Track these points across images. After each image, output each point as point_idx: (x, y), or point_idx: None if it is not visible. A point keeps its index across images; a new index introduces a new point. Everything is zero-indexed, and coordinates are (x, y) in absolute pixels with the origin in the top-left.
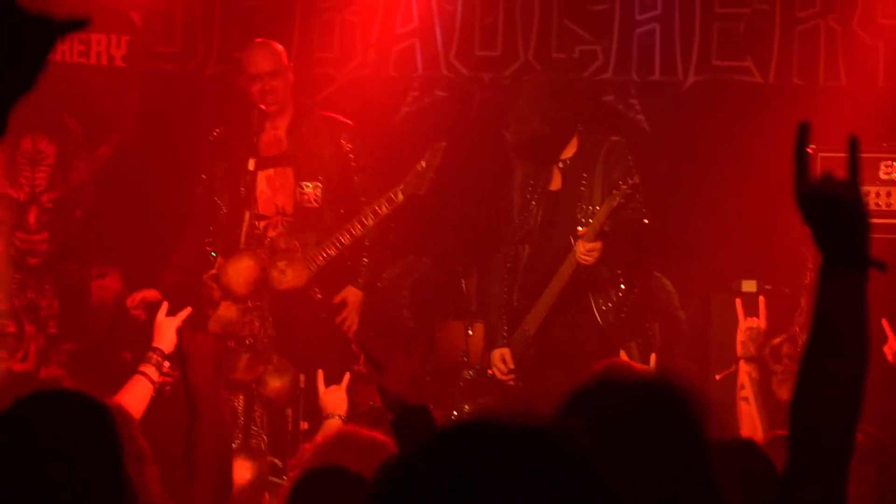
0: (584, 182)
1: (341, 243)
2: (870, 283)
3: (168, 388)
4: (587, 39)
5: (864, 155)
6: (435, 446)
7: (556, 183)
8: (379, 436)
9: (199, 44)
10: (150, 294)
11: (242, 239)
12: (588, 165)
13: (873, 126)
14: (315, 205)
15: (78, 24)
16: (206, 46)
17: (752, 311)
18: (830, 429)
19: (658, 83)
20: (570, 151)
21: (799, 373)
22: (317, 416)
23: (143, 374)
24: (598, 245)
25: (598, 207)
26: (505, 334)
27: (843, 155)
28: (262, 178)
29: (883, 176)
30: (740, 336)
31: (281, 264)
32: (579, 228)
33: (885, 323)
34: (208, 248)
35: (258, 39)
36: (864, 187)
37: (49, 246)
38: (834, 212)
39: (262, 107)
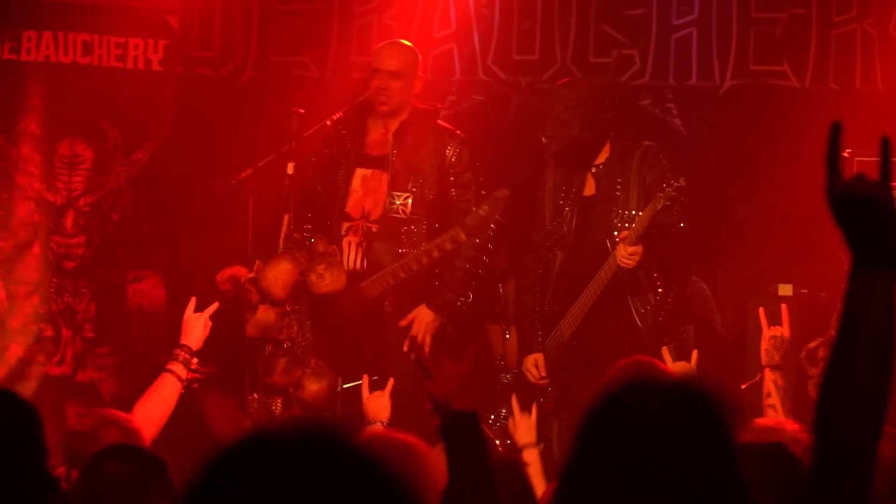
0: (619, 187)
1: (398, 277)
2: None
3: (196, 385)
4: (624, 44)
5: None
6: (217, 467)
7: (589, 188)
8: (410, 438)
9: (237, 48)
10: (239, 270)
11: (281, 242)
12: (622, 170)
13: None
14: (403, 216)
15: None
16: (244, 51)
17: (775, 319)
18: (856, 429)
19: (695, 87)
20: (602, 157)
21: (825, 373)
22: (354, 419)
23: (171, 371)
24: (639, 249)
25: (634, 212)
26: (539, 339)
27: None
28: (358, 175)
29: None
30: (764, 344)
31: (319, 268)
32: (618, 232)
33: None
34: (305, 235)
35: (396, 40)
36: None
37: (86, 250)
38: (865, 213)
39: (377, 107)
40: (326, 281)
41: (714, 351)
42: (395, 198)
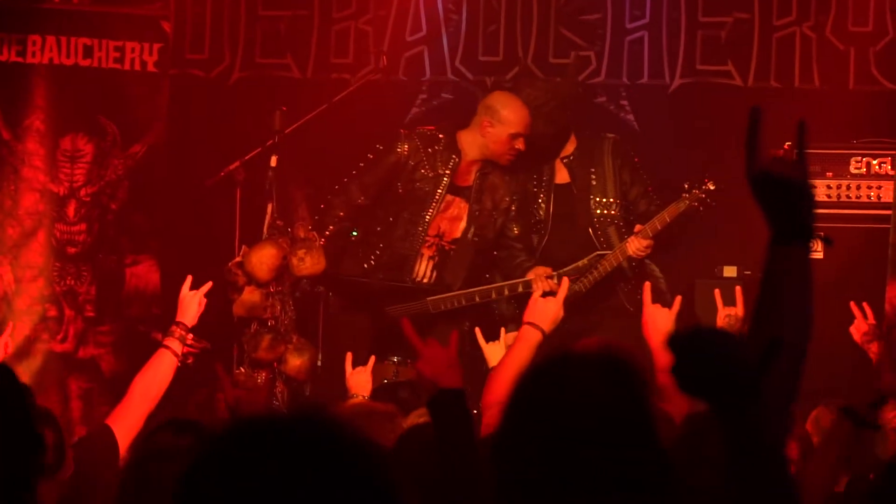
0: (593, 176)
1: (472, 301)
2: (842, 270)
3: (191, 359)
4: (581, 46)
5: (837, 151)
6: (221, 446)
7: (562, 177)
8: (391, 407)
9: (226, 51)
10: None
11: (265, 229)
12: (593, 160)
13: (845, 125)
14: (475, 243)
15: None
16: (232, 53)
17: (730, 300)
18: (772, 398)
19: (646, 86)
20: (570, 148)
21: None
22: (333, 392)
23: (168, 347)
24: (651, 242)
25: (612, 200)
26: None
27: (817, 151)
28: (446, 200)
29: (853, 170)
30: (720, 322)
31: (300, 252)
32: (597, 220)
33: (853, 305)
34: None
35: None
36: (833, 177)
37: (87, 236)
38: (780, 191)
39: (501, 160)
40: (307, 264)
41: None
42: (472, 226)
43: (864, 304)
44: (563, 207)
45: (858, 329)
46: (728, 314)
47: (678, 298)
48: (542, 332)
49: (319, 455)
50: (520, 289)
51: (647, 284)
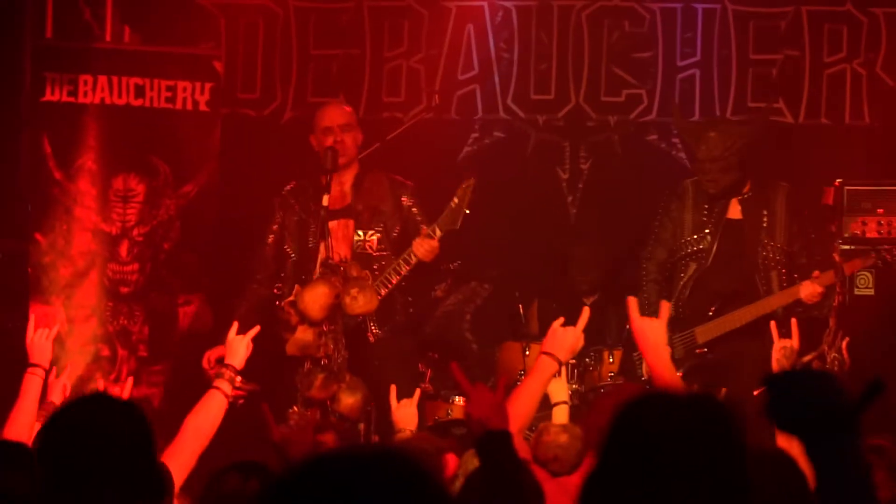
0: (765, 218)
1: (391, 283)
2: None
3: (241, 401)
4: (633, 84)
5: (888, 188)
6: (311, 473)
7: (734, 212)
8: (440, 443)
9: (277, 90)
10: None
11: (317, 268)
12: (767, 202)
13: (895, 161)
14: (372, 251)
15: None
16: (284, 93)
17: (785, 333)
18: None
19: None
20: (747, 187)
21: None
22: (387, 429)
23: (218, 388)
24: (823, 291)
25: (779, 245)
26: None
27: (868, 188)
28: (330, 229)
29: None
30: (775, 354)
31: (353, 291)
32: (768, 261)
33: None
34: (276, 292)
35: (328, 99)
36: (884, 214)
37: (139, 276)
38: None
39: (338, 160)
40: (360, 303)
41: None
42: (361, 235)
43: None
44: (731, 243)
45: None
46: (784, 346)
47: (663, 304)
48: (559, 361)
49: (395, 492)
50: (425, 246)
51: (632, 299)
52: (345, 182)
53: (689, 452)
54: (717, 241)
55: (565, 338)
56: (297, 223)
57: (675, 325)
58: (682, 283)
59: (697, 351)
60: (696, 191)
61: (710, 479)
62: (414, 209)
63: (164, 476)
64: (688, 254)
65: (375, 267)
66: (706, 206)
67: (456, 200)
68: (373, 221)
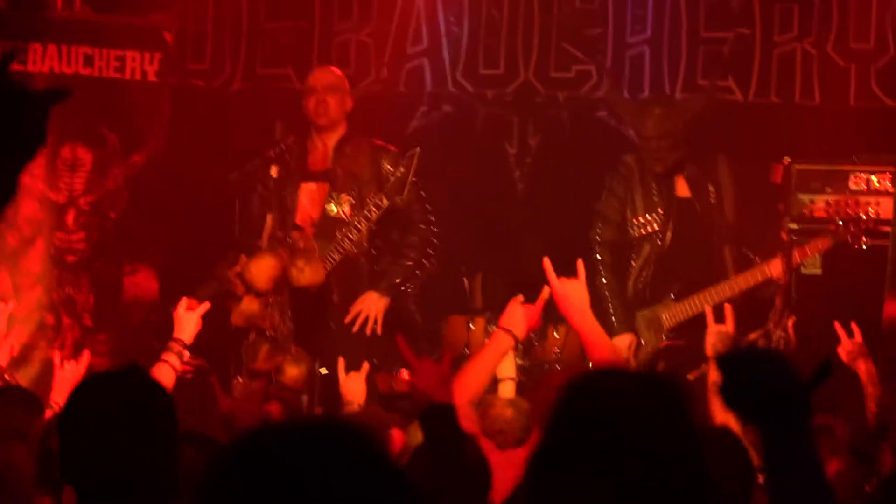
0: (712, 193)
1: (343, 248)
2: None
3: (189, 375)
4: (582, 60)
5: (837, 167)
6: (255, 444)
7: (682, 190)
8: (386, 417)
9: (227, 61)
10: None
11: (264, 240)
12: (711, 177)
13: (845, 142)
14: (343, 217)
15: (64, 94)
16: (233, 64)
17: (720, 318)
18: None
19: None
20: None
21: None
22: (331, 402)
23: (166, 361)
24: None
25: (728, 219)
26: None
27: (817, 168)
28: (304, 190)
29: (853, 186)
30: (710, 339)
31: (300, 263)
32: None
33: (837, 325)
34: (237, 269)
35: (324, 66)
36: (832, 193)
37: (85, 245)
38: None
39: (315, 120)
40: (306, 275)
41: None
42: (333, 199)
43: (852, 324)
44: (684, 222)
45: (844, 348)
46: (719, 331)
47: (579, 261)
48: (516, 338)
49: (343, 463)
50: (373, 213)
51: (545, 259)
52: (328, 144)
53: (641, 429)
54: (672, 220)
55: (524, 315)
56: (276, 184)
57: (636, 309)
58: (638, 264)
59: (664, 337)
60: (640, 168)
61: (664, 456)
62: (392, 177)
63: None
64: (641, 235)
65: (344, 231)
66: (654, 185)
67: (402, 169)
68: (348, 187)
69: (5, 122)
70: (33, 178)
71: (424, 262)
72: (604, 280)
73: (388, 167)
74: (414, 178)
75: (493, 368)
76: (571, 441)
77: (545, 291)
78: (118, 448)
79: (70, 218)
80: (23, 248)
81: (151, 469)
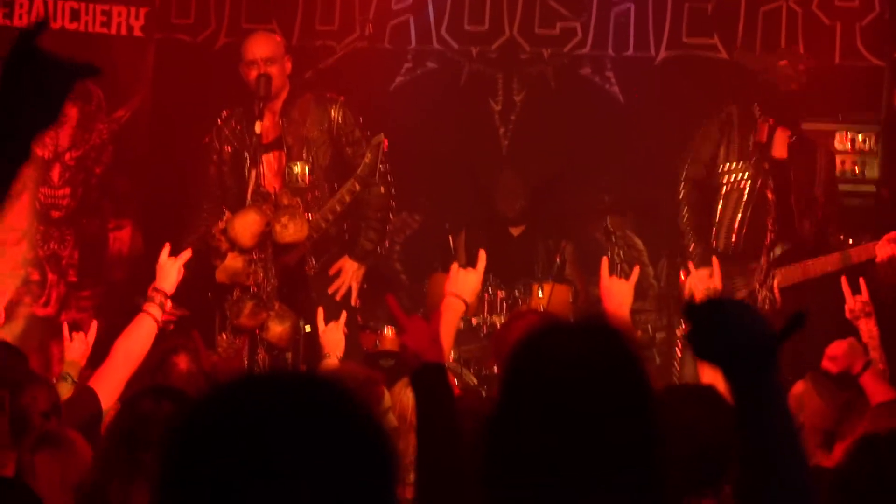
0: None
1: (311, 238)
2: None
3: (171, 326)
4: (567, 17)
5: (822, 126)
6: (221, 396)
7: (780, 151)
8: (371, 373)
9: (212, 16)
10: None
11: (248, 195)
12: (808, 149)
13: (830, 100)
14: (303, 184)
15: (93, 70)
16: (218, 19)
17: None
18: None
19: (632, 58)
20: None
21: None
22: (315, 359)
23: (148, 312)
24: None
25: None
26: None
27: (802, 127)
28: (264, 161)
29: (838, 146)
30: (698, 296)
31: (283, 219)
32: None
33: (843, 281)
34: (222, 226)
35: (256, 27)
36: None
37: (70, 201)
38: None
39: (260, 94)
40: (290, 231)
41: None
42: (292, 168)
43: (860, 280)
44: (781, 183)
45: (847, 305)
46: (707, 287)
47: (636, 268)
48: (465, 303)
49: (309, 412)
50: (347, 198)
51: (605, 259)
52: (276, 111)
53: (581, 386)
54: (761, 176)
55: (467, 279)
56: (233, 153)
57: (726, 261)
58: (727, 215)
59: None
60: (741, 121)
61: (604, 411)
62: (344, 125)
63: None
64: (731, 182)
65: (309, 197)
66: (752, 138)
67: (369, 156)
68: (302, 152)
69: (29, 88)
70: None
71: (390, 215)
72: (686, 216)
73: (338, 118)
74: (382, 167)
75: (451, 335)
76: (517, 404)
77: (482, 257)
78: None
79: (55, 173)
80: (7, 203)
81: None
